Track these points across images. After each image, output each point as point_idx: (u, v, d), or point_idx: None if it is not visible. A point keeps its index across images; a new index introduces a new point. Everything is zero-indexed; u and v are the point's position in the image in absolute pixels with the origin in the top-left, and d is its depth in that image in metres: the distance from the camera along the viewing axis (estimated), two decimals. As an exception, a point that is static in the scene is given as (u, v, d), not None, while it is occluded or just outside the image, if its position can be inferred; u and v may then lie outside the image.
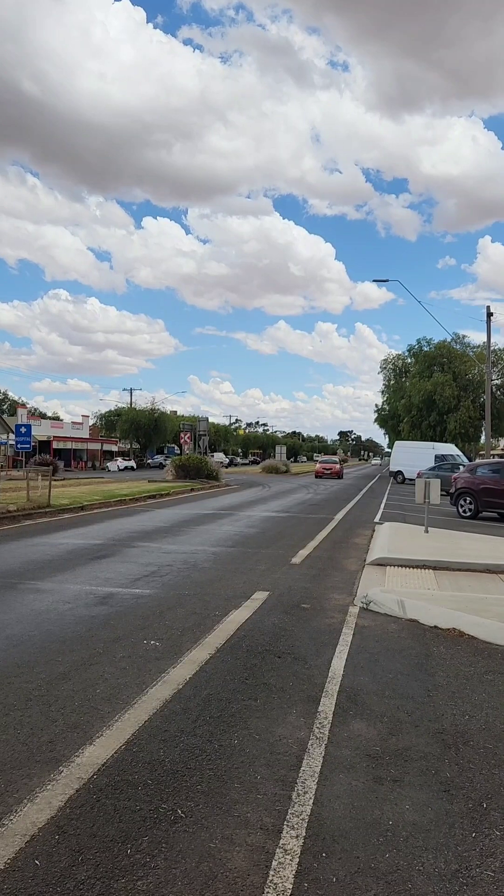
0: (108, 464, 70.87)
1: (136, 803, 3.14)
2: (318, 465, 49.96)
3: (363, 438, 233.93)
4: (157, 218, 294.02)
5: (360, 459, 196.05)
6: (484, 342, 40.76)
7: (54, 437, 68.74)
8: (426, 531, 13.52)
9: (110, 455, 79.50)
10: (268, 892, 2.54)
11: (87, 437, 78.53)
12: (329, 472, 46.63)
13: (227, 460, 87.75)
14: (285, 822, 3.01)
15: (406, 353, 66.04)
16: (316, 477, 46.27)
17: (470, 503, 19.28)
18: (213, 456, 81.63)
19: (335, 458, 55.25)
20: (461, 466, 32.14)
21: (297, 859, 2.75)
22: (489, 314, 37.44)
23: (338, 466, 48.21)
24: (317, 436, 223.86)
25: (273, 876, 2.63)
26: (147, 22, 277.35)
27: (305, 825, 3.00)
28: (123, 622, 6.43)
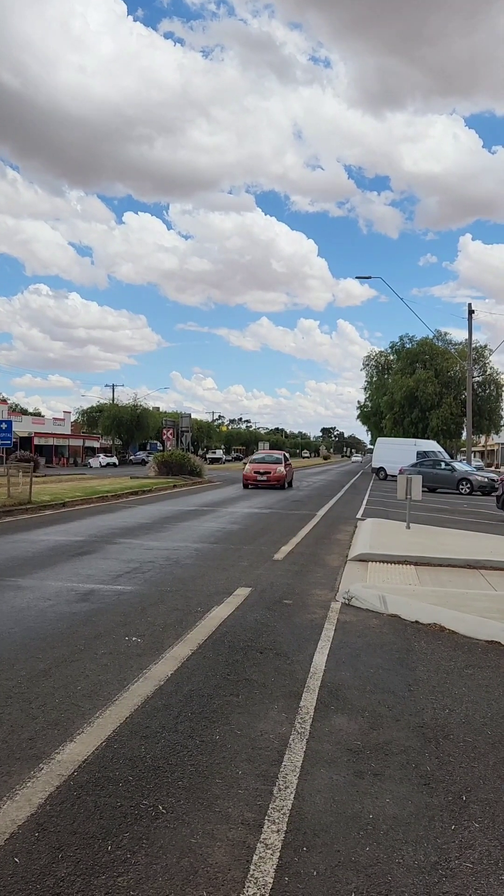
0: (89, 460, 70.45)
1: (117, 800, 3.13)
2: (247, 467, 31.05)
3: (346, 435, 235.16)
4: (139, 213, 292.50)
5: (342, 456, 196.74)
6: (465, 339, 41.07)
7: (35, 433, 68.16)
8: (408, 527, 13.60)
9: (92, 451, 79.07)
10: (248, 887, 2.54)
11: (69, 433, 78.04)
12: (265, 477, 28.71)
13: (225, 457, 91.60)
14: (266, 817, 3.02)
15: (389, 350, 66.46)
16: (244, 486, 29.07)
17: None
18: (215, 452, 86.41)
19: (277, 455, 33.94)
20: (443, 463, 32.43)
21: (278, 854, 2.75)
22: (470, 311, 37.74)
23: (280, 469, 29.26)
24: (300, 432, 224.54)
25: (254, 870, 2.63)
26: (127, 15, 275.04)
27: (286, 819, 3.01)
28: (105, 619, 6.40)
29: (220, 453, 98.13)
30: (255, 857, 2.72)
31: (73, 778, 3.31)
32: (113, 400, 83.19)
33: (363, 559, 10.01)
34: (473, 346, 42.38)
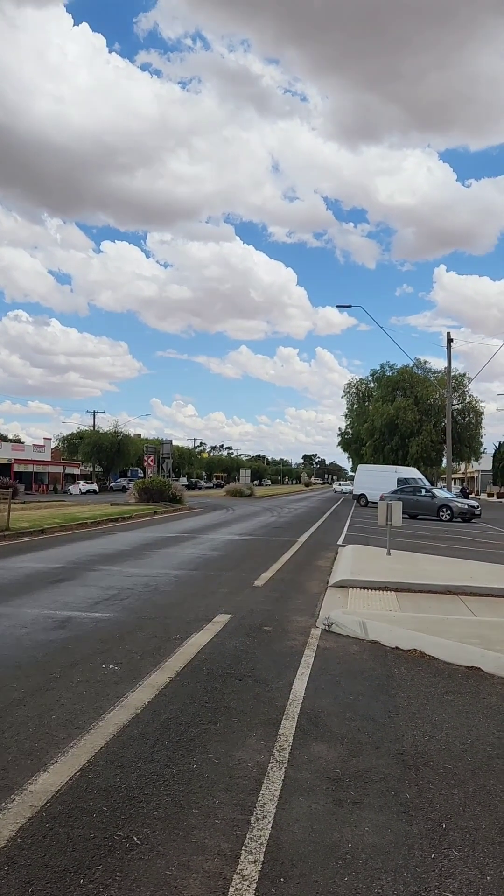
0: (69, 487, 69.97)
1: (91, 831, 3.05)
2: None
3: (327, 462, 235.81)
4: (116, 241, 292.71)
5: (323, 483, 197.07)
6: (444, 368, 41.57)
7: (15, 459, 67.65)
8: (388, 553, 13.60)
9: (72, 478, 78.50)
10: (224, 920, 2.48)
11: (49, 459, 77.49)
12: None
13: (204, 483, 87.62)
14: (243, 847, 2.95)
15: (369, 378, 67.21)
16: None
17: None
18: (177, 480, 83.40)
19: None
20: (423, 490, 32.57)
21: (255, 885, 2.69)
22: (449, 340, 38.25)
23: None
24: (281, 459, 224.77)
25: (230, 903, 2.57)
26: (105, 47, 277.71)
27: (264, 850, 2.94)
28: (82, 646, 6.30)
29: (184, 480, 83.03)
30: (231, 890, 2.65)
31: (46, 809, 3.23)
32: (94, 427, 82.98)
33: (344, 585, 9.98)
34: (452, 374, 42.89)
